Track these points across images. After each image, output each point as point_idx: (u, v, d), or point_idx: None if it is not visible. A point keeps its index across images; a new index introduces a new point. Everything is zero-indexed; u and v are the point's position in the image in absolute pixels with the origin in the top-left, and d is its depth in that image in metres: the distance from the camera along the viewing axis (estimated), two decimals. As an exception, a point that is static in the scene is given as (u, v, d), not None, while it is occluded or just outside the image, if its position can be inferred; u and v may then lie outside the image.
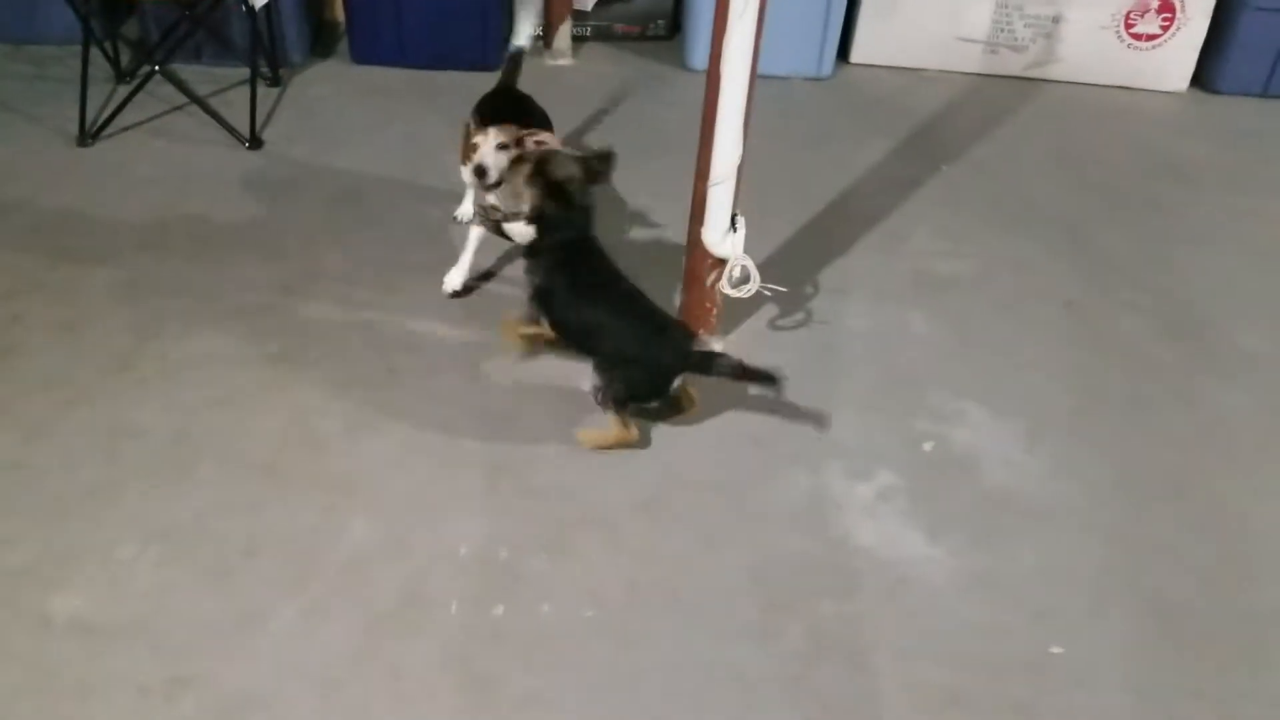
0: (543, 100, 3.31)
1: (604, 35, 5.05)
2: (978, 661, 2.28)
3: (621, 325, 2.69)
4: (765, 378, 2.65)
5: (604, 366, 2.66)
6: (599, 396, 2.67)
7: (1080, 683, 2.25)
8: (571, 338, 2.79)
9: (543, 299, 2.76)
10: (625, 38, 5.07)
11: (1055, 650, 2.30)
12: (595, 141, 4.14)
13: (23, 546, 2.38)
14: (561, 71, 4.77)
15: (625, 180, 3.85)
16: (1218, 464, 2.82)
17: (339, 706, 2.11)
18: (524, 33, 3.36)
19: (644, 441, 2.72)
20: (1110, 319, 3.34)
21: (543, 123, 3.18)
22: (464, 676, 2.18)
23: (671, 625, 2.31)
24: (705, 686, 2.19)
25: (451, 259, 3.17)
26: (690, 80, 4.64)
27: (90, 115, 3.98)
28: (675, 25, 5.09)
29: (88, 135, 3.96)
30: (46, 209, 3.57)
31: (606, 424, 2.68)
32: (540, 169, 2.68)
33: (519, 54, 3.37)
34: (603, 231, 2.80)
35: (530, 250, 2.78)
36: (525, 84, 3.35)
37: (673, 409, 2.79)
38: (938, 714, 2.17)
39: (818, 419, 2.86)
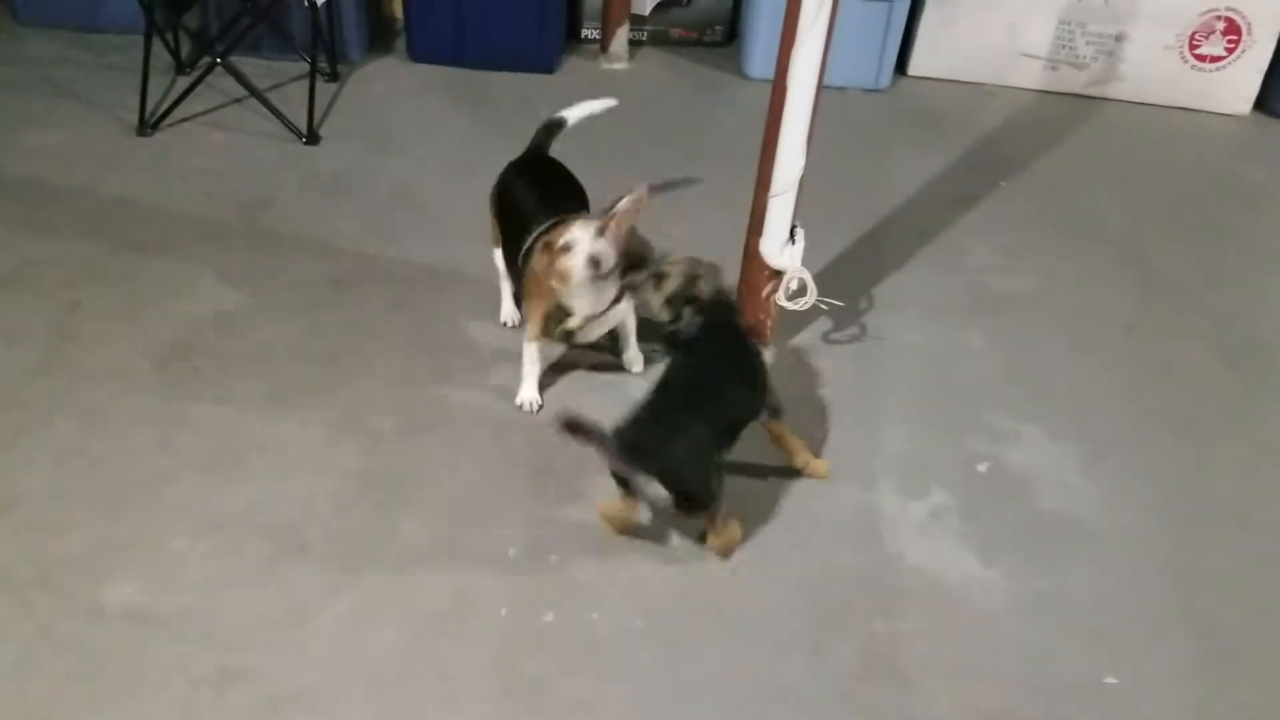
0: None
1: (660, 40, 5.04)
2: (1029, 685, 2.24)
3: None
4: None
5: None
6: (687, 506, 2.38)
7: (1133, 711, 2.20)
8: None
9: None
10: (682, 43, 5.06)
11: (1110, 680, 2.26)
12: (650, 151, 4.14)
13: (77, 534, 2.40)
14: (617, 76, 4.76)
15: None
16: (1279, 492, 2.77)
17: (387, 705, 2.11)
18: (577, 113, 3.09)
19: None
20: (1170, 342, 3.28)
21: (581, 198, 2.95)
22: (512, 680, 2.17)
23: (720, 638, 2.29)
24: (753, 701, 2.17)
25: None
26: (746, 87, 4.63)
27: (150, 105, 4.02)
28: (732, 31, 5.07)
29: (147, 125, 4.00)
30: (106, 196, 3.60)
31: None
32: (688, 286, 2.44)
33: (560, 124, 3.06)
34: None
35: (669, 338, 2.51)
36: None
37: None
38: (989, 739, 2.15)
39: (870, 434, 2.83)
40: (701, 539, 2.46)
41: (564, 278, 2.55)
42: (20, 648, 2.16)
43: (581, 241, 2.51)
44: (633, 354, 2.96)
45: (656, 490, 2.29)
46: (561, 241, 2.53)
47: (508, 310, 3.10)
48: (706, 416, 2.35)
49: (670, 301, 2.43)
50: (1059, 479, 2.75)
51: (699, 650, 2.26)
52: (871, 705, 2.18)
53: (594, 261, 2.50)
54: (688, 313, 2.42)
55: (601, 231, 2.54)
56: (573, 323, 2.69)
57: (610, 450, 2.25)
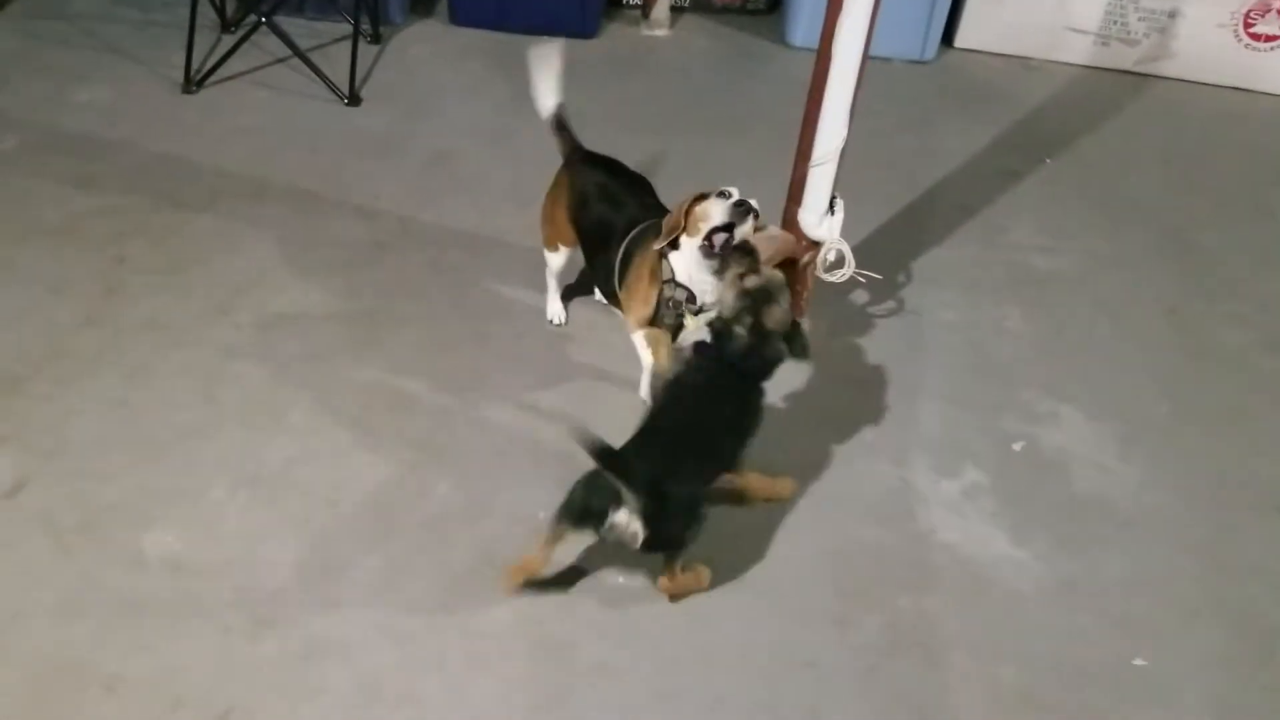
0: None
1: (703, 7, 5.00)
2: (1056, 666, 2.24)
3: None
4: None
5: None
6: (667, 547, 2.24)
7: (1161, 697, 2.20)
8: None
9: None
10: (724, 10, 5.02)
11: (1138, 662, 2.25)
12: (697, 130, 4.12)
13: (120, 482, 2.45)
14: (658, 43, 4.73)
15: (718, 154, 3.84)
16: (1318, 483, 2.74)
17: (414, 659, 2.14)
18: (546, 89, 2.82)
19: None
20: (1213, 327, 3.24)
21: (651, 188, 2.81)
22: (537, 640, 2.20)
23: (746, 608, 2.31)
24: (776, 669, 2.19)
25: (540, 227, 3.16)
26: (788, 56, 4.59)
27: (195, 63, 4.05)
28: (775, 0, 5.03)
29: (192, 82, 4.02)
30: (151, 152, 3.64)
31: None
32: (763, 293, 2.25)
33: (560, 112, 2.83)
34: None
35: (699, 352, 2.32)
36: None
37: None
38: (1012, 716, 2.15)
39: (904, 410, 2.82)
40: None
41: (697, 225, 2.40)
42: (61, 591, 2.21)
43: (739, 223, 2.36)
44: None
45: (620, 526, 2.11)
46: (698, 208, 2.40)
47: (555, 308, 3.01)
48: (702, 460, 2.26)
49: (741, 297, 2.23)
50: (1095, 461, 2.73)
51: (724, 619, 2.28)
52: (896, 680, 2.19)
53: (744, 208, 2.36)
54: (741, 328, 2.22)
55: (762, 228, 2.42)
56: (688, 321, 2.53)
57: (625, 477, 2.08)
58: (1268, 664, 2.28)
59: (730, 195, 2.41)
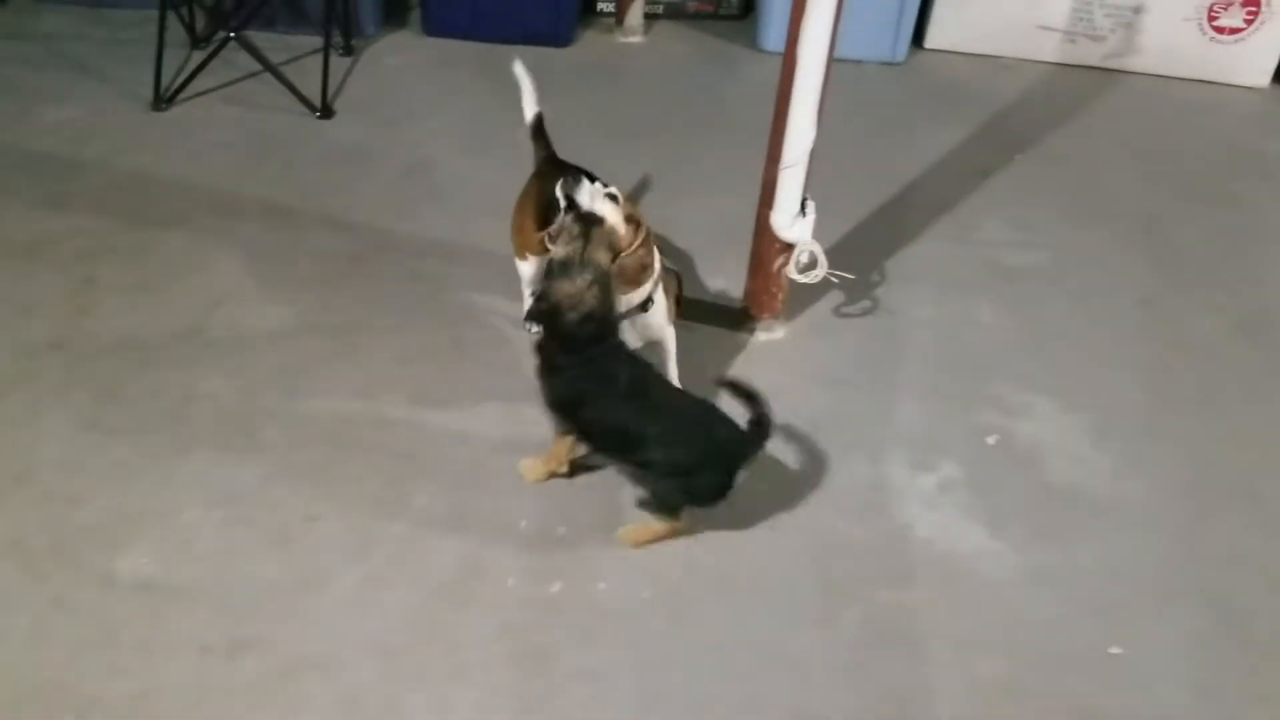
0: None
1: (676, 13, 5.02)
2: (1036, 656, 2.25)
3: (669, 430, 2.32)
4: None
5: (654, 478, 2.38)
6: (654, 508, 2.42)
7: (1140, 683, 2.21)
8: (609, 448, 2.47)
9: (568, 408, 2.38)
10: (698, 16, 5.04)
11: (1115, 650, 2.26)
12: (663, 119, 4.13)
13: (92, 506, 2.43)
14: (632, 49, 4.75)
15: (693, 159, 3.85)
16: (1292, 469, 2.76)
17: (396, 673, 2.13)
18: (528, 98, 2.86)
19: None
20: (1186, 316, 3.26)
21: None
22: (520, 649, 2.19)
23: (728, 607, 2.31)
24: (761, 669, 2.19)
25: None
26: (761, 61, 4.61)
27: (165, 80, 4.04)
28: (748, 5, 5.04)
29: (162, 99, 4.01)
30: (121, 171, 3.62)
31: (649, 520, 2.43)
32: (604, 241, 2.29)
33: (539, 120, 2.88)
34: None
35: (558, 344, 2.30)
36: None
37: None
38: (993, 706, 2.15)
39: (880, 407, 2.83)
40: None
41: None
42: (35, 617, 2.19)
43: (585, 190, 2.34)
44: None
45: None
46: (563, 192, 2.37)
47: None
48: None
49: (550, 269, 2.24)
50: (1069, 452, 2.75)
51: (706, 620, 2.28)
52: (879, 675, 2.19)
53: (572, 185, 2.33)
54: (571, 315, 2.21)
55: (614, 198, 2.39)
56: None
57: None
58: (1244, 649, 2.29)
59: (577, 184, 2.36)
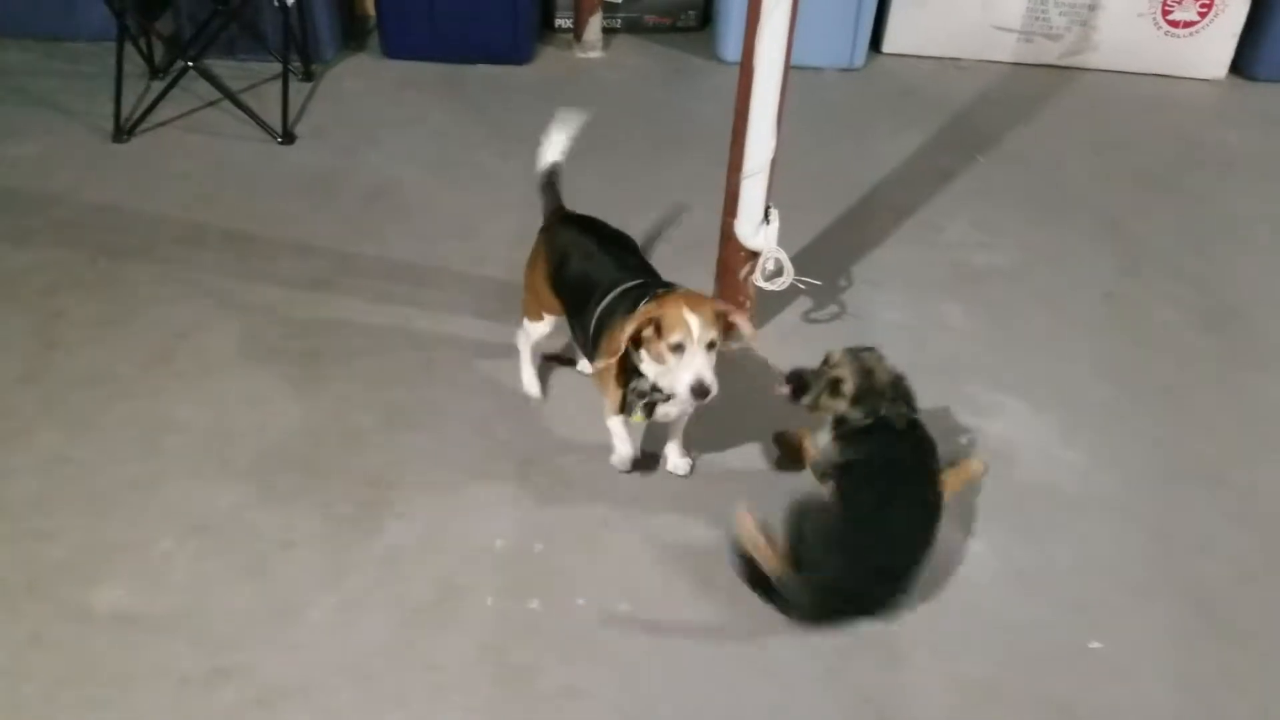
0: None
1: (634, 27, 5.05)
2: (1016, 656, 2.26)
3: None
4: None
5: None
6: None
7: (1120, 677, 2.23)
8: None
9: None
10: (656, 29, 5.07)
11: (1095, 645, 2.28)
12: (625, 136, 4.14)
13: (65, 540, 2.41)
14: (592, 64, 4.76)
15: (656, 172, 3.86)
16: (1258, 454, 2.79)
17: (376, 697, 2.12)
18: (556, 145, 2.76)
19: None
20: (1148, 310, 3.30)
21: (634, 247, 2.70)
22: (500, 668, 2.19)
23: (707, 618, 2.31)
24: (741, 678, 2.19)
25: (487, 256, 3.14)
26: (721, 71, 4.63)
27: (125, 111, 4.02)
28: (706, 16, 5.08)
29: (123, 131, 4.00)
30: (84, 204, 3.60)
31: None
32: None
33: (555, 170, 2.77)
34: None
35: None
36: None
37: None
38: (976, 709, 2.16)
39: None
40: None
41: (659, 359, 2.29)
42: (11, 653, 2.17)
43: (692, 353, 2.23)
44: (677, 452, 2.65)
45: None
46: (674, 339, 2.23)
47: (529, 381, 2.86)
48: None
49: (858, 400, 2.37)
50: (1040, 449, 2.77)
51: (685, 631, 2.28)
52: (859, 679, 2.20)
53: (701, 390, 2.22)
54: (875, 408, 2.37)
55: (713, 345, 2.27)
56: (658, 409, 2.43)
57: None
58: (1222, 638, 2.31)
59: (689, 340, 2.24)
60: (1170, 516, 2.60)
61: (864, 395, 2.37)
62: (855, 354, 2.43)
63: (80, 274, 3.25)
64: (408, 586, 2.34)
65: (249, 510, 2.50)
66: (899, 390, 2.41)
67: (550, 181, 2.75)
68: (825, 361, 2.46)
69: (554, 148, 2.75)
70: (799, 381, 2.46)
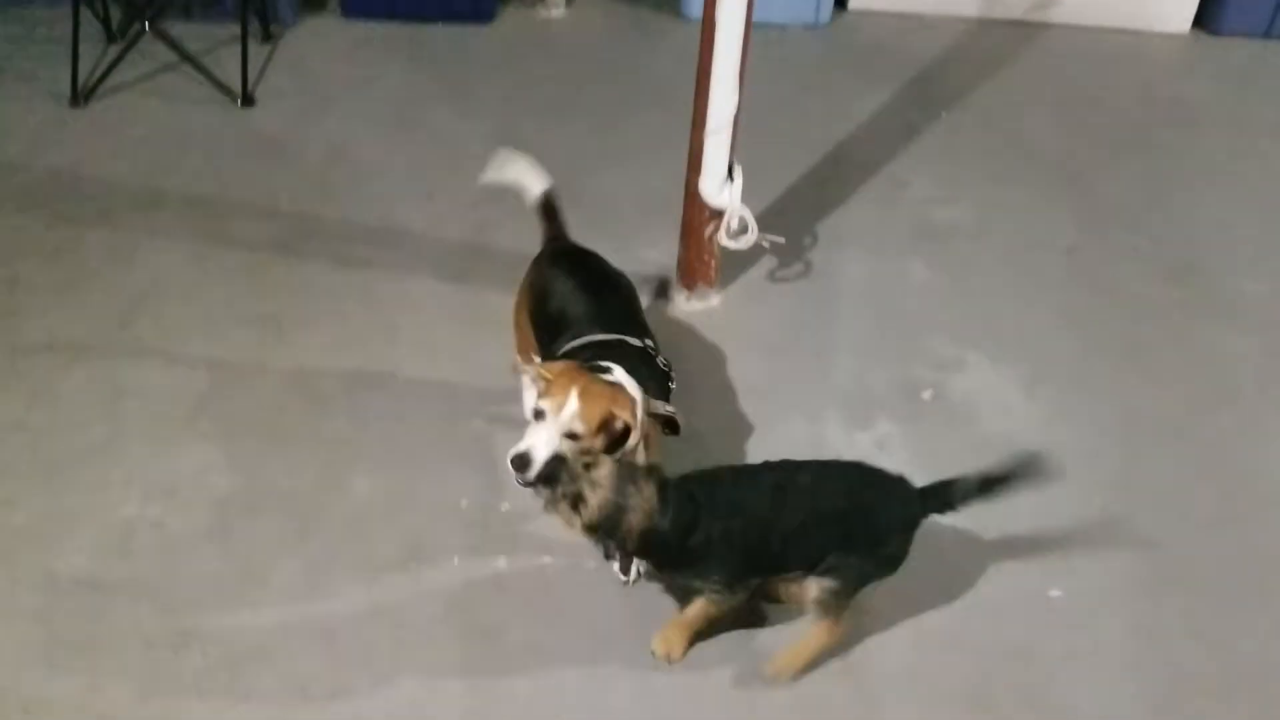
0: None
1: (598, -15, 5.00)
2: (977, 605, 2.29)
3: (836, 510, 2.10)
4: (1012, 476, 2.16)
5: (832, 566, 2.08)
6: (831, 605, 2.09)
7: (1079, 625, 2.26)
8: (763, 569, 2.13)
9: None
10: (620, -13, 5.02)
11: (1054, 593, 2.31)
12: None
13: (26, 506, 2.40)
14: (555, 24, 4.72)
15: (621, 133, 3.84)
16: (1217, 406, 2.83)
17: (344, 658, 2.13)
18: (531, 179, 2.62)
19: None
20: (1110, 264, 3.33)
21: (628, 294, 2.53)
22: (466, 627, 2.20)
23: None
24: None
25: (448, 217, 3.12)
26: (687, 29, 4.57)
27: (82, 76, 3.96)
28: (671, -26, 5.03)
29: (80, 96, 3.94)
30: (41, 170, 3.55)
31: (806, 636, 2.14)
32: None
33: (550, 197, 2.61)
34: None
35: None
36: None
37: None
38: (938, 656, 2.19)
39: (816, 369, 2.85)
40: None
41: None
42: (-27, 622, 2.16)
43: (544, 432, 2.07)
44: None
45: None
46: (541, 405, 2.08)
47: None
48: None
49: (591, 531, 1.97)
50: (1002, 403, 2.79)
51: (652, 590, 2.29)
52: (822, 631, 2.22)
53: (521, 462, 2.06)
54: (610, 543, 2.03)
55: (573, 434, 2.06)
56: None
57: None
58: (1178, 586, 2.35)
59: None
60: (1130, 469, 2.63)
61: (603, 528, 1.96)
62: (624, 476, 1.96)
63: (36, 241, 3.21)
64: (373, 547, 2.34)
65: (212, 474, 2.49)
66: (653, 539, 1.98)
67: (548, 207, 2.61)
68: (588, 464, 1.97)
69: (531, 176, 2.62)
70: (550, 470, 2.02)
